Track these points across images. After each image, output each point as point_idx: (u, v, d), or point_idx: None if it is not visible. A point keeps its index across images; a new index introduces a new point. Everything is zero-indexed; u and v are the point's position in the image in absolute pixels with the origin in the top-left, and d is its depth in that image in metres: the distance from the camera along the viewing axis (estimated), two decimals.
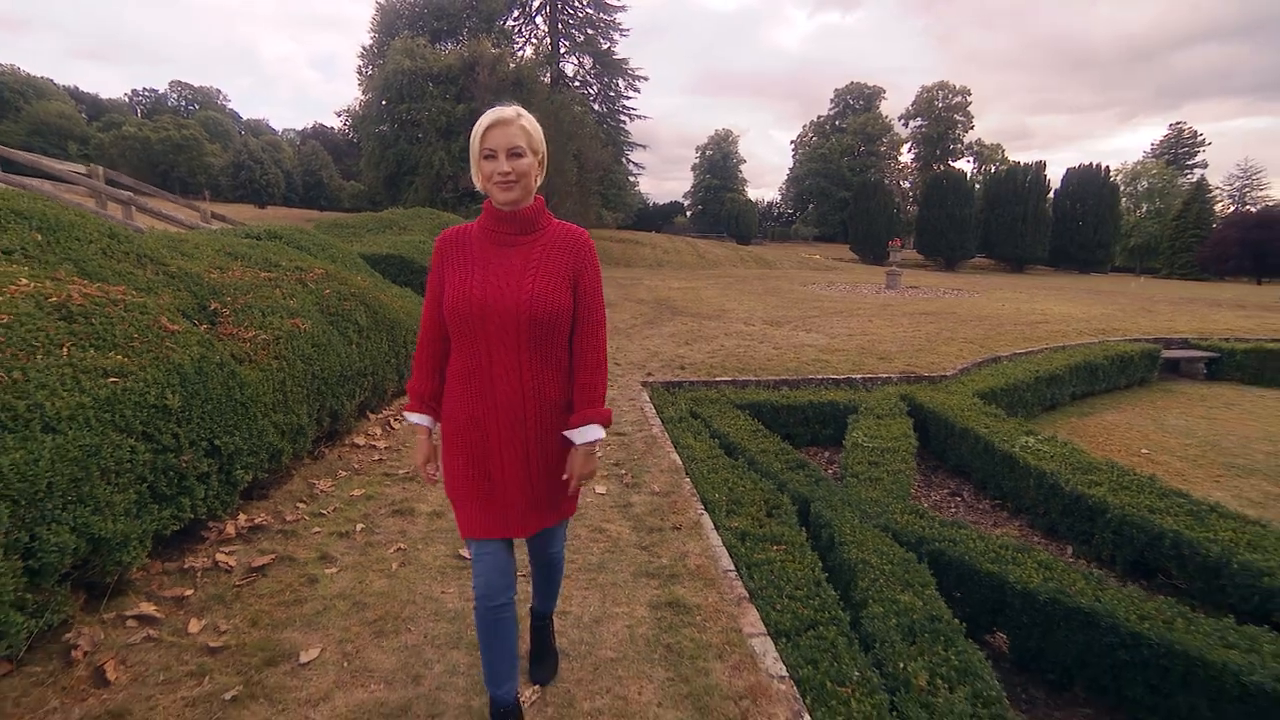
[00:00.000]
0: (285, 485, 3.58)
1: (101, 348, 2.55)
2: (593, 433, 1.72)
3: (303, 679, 2.10)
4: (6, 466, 1.95)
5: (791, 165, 70.37)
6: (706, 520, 3.41)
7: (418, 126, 23.03)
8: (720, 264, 27.38)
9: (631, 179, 43.04)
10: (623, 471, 4.07)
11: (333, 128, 59.37)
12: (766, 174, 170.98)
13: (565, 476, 1.75)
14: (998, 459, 5.27)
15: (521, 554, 2.57)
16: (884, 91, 65.60)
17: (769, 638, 2.43)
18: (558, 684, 2.13)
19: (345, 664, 2.18)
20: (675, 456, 4.36)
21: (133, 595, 2.50)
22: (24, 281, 2.62)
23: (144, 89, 73.78)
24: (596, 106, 35.86)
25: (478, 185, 1.67)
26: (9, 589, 1.92)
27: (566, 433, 1.73)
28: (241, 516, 3.15)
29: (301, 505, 3.39)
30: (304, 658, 2.20)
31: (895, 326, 10.32)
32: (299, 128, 73.46)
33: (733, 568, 2.95)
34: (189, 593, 2.56)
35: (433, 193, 21.99)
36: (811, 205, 65.48)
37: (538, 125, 1.67)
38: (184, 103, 71.83)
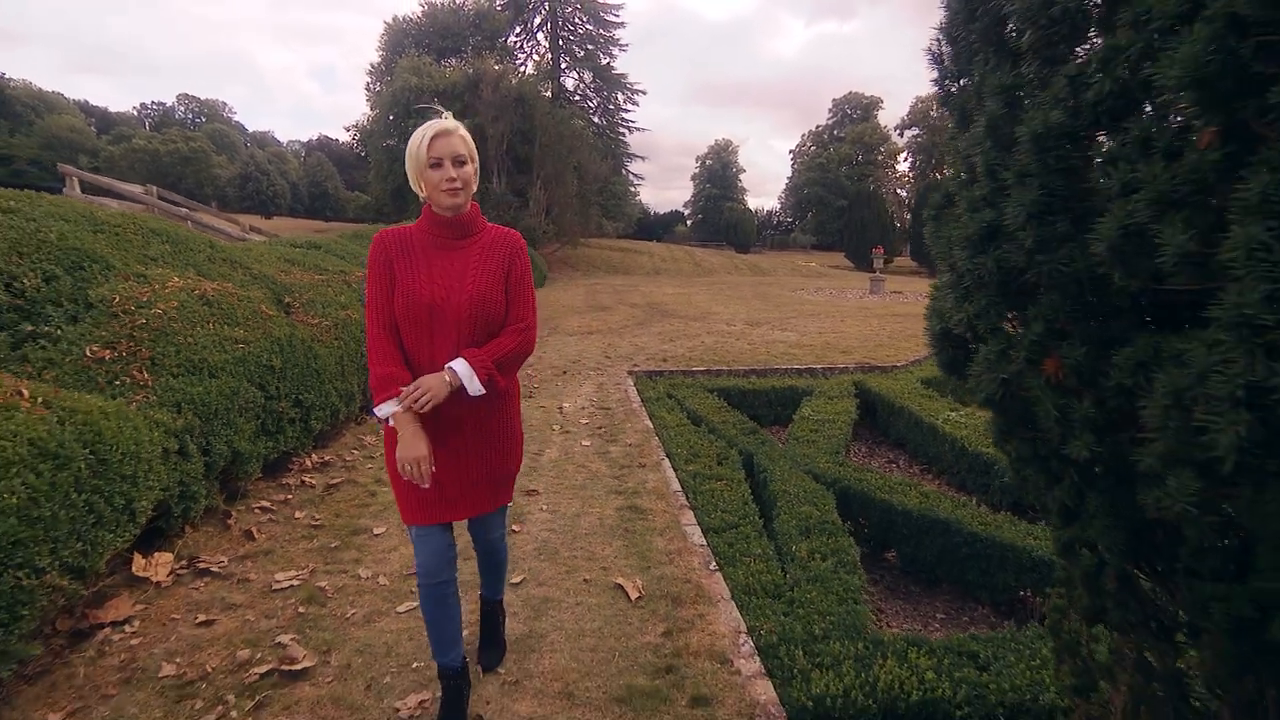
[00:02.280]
0: (341, 438, 4.65)
1: (230, 324, 3.63)
2: (459, 364, 1.72)
3: (377, 540, 3.17)
4: (197, 395, 3.03)
5: (790, 174, 71.60)
6: (667, 463, 4.47)
7: None
8: (715, 271, 28.51)
9: (632, 189, 44.32)
10: (605, 432, 5.13)
11: (337, 139, 60.84)
12: (766, 183, 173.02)
13: (411, 394, 1.70)
14: (924, 430, 6.32)
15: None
16: (881, 101, 66.96)
17: (699, 528, 3.49)
18: (546, 540, 3.18)
19: (402, 533, 3.24)
20: (649, 423, 5.43)
21: (251, 498, 3.56)
22: (175, 280, 3.71)
23: (152, 102, 75.46)
24: (596, 120, 37.16)
25: (419, 192, 1.78)
26: (198, 474, 2.99)
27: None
28: (314, 455, 4.22)
29: (355, 451, 4.46)
30: (376, 531, 3.27)
31: (864, 326, 11.39)
32: (303, 139, 75.11)
33: (681, 490, 4.00)
34: (289, 497, 3.63)
35: None
36: (810, 214, 66.62)
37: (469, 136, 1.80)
38: (191, 115, 73.50)
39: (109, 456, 2.38)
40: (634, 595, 2.69)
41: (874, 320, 12.24)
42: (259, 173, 48.56)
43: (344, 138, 52.37)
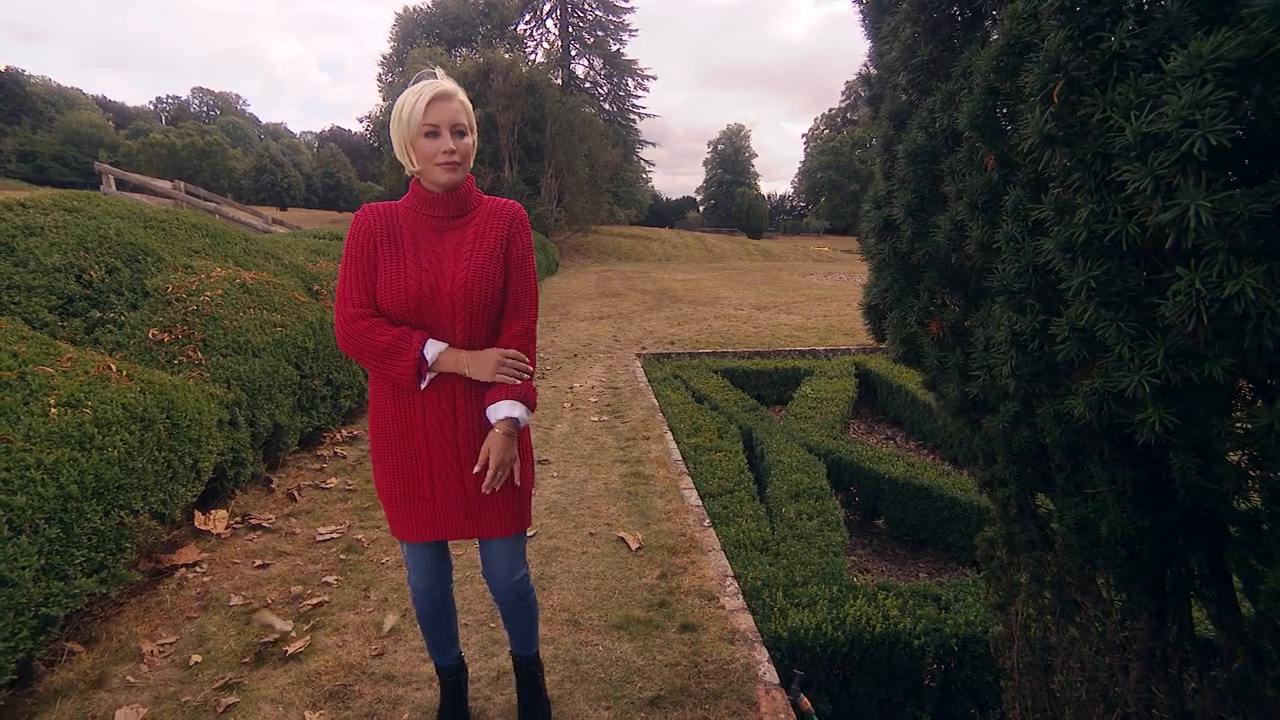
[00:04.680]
0: (365, 416, 5.06)
1: (269, 310, 4.04)
2: (505, 409, 1.55)
3: None
4: (244, 372, 3.45)
5: (803, 158, 71.14)
6: (669, 436, 4.84)
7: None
8: (726, 258, 28.73)
9: (643, 176, 44.48)
10: (612, 409, 5.51)
11: (349, 130, 61.30)
12: (779, 167, 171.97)
13: (476, 469, 1.56)
14: (919, 407, 6.64)
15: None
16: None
17: (696, 491, 3.86)
18: (556, 501, 3.57)
19: None
20: (655, 401, 5.81)
21: (290, 467, 3.99)
22: (218, 270, 4.12)
23: (168, 96, 76.39)
24: (607, 106, 37.35)
25: (408, 165, 1.54)
26: (246, 443, 3.40)
27: (488, 410, 1.58)
28: (343, 430, 4.64)
29: None
30: None
31: None
32: (315, 130, 75.72)
33: (682, 460, 4.38)
34: (324, 466, 4.05)
35: None
36: (823, 198, 66.29)
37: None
38: (206, 109, 74.43)
39: (180, 422, 2.79)
40: (634, 546, 3.08)
41: None
42: (273, 165, 49.16)
43: (356, 128, 52.89)
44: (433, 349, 1.54)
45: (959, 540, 4.20)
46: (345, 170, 53.08)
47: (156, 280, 3.81)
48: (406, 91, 1.50)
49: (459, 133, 1.50)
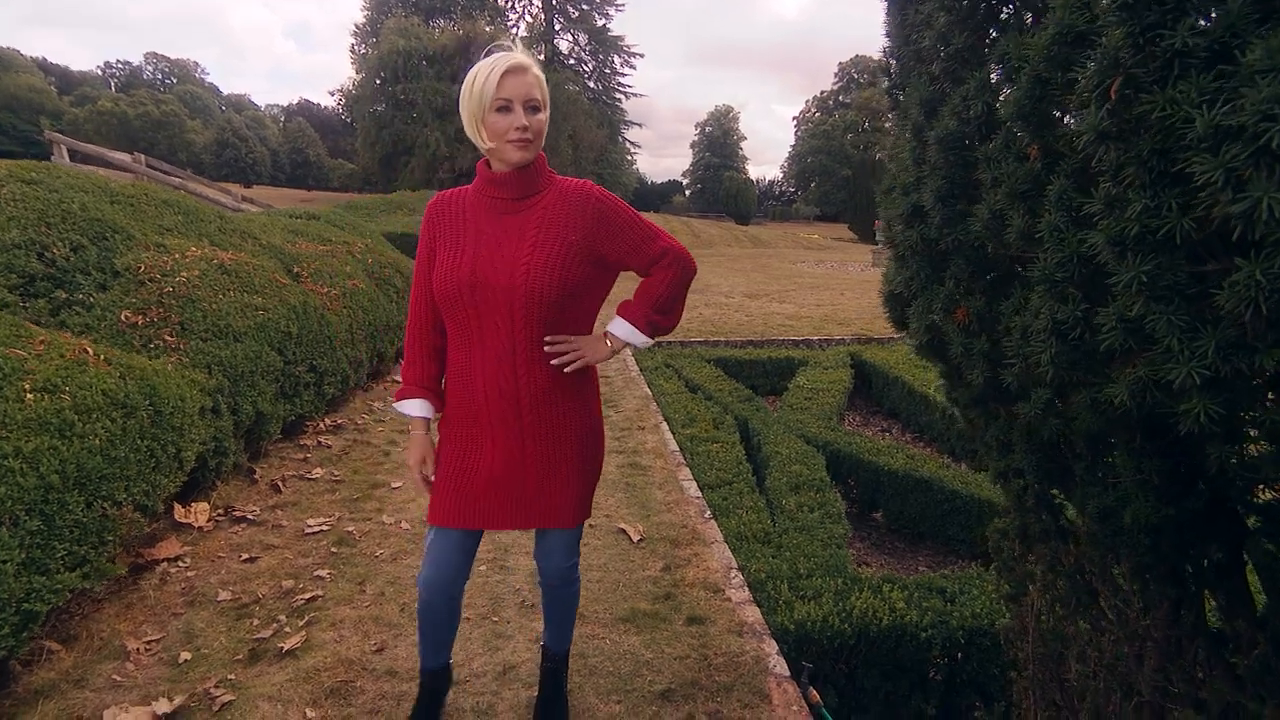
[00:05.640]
0: (351, 403, 5.05)
1: (250, 292, 3.99)
2: (617, 325, 1.65)
3: (395, 493, 3.58)
4: (225, 358, 3.41)
5: (794, 142, 71.34)
6: (665, 426, 4.88)
7: (413, 107, 24.39)
8: (715, 244, 28.77)
9: (629, 158, 44.29)
10: (604, 399, 5.54)
11: (319, 104, 60.26)
12: (768, 150, 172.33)
13: (562, 339, 1.57)
14: (917, 399, 6.74)
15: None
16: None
17: (695, 483, 3.90)
18: None
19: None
20: (648, 390, 5.84)
21: (272, 457, 3.96)
22: (194, 249, 4.06)
23: (118, 61, 74.06)
24: (591, 84, 37.07)
25: (480, 143, 1.52)
26: (229, 431, 3.38)
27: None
28: (327, 419, 4.62)
29: (365, 416, 4.86)
30: (394, 484, 3.68)
31: (863, 299, 11.79)
32: (282, 103, 74.14)
33: (679, 450, 4.42)
34: (308, 456, 4.03)
35: (429, 174, 23.38)
36: (814, 184, 66.55)
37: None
38: (160, 76, 72.24)
39: (163, 409, 2.76)
40: (635, 538, 3.11)
41: (874, 293, 12.58)
42: (236, 139, 48.12)
43: (327, 102, 51.98)
44: (402, 409, 1.69)
45: (959, 534, 4.29)
46: (315, 146, 52.23)
47: (127, 259, 3.75)
48: (479, 64, 1.49)
49: (532, 108, 1.48)
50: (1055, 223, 1.03)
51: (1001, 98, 1.19)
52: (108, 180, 4.54)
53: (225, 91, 77.38)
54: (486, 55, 1.50)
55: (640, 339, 1.67)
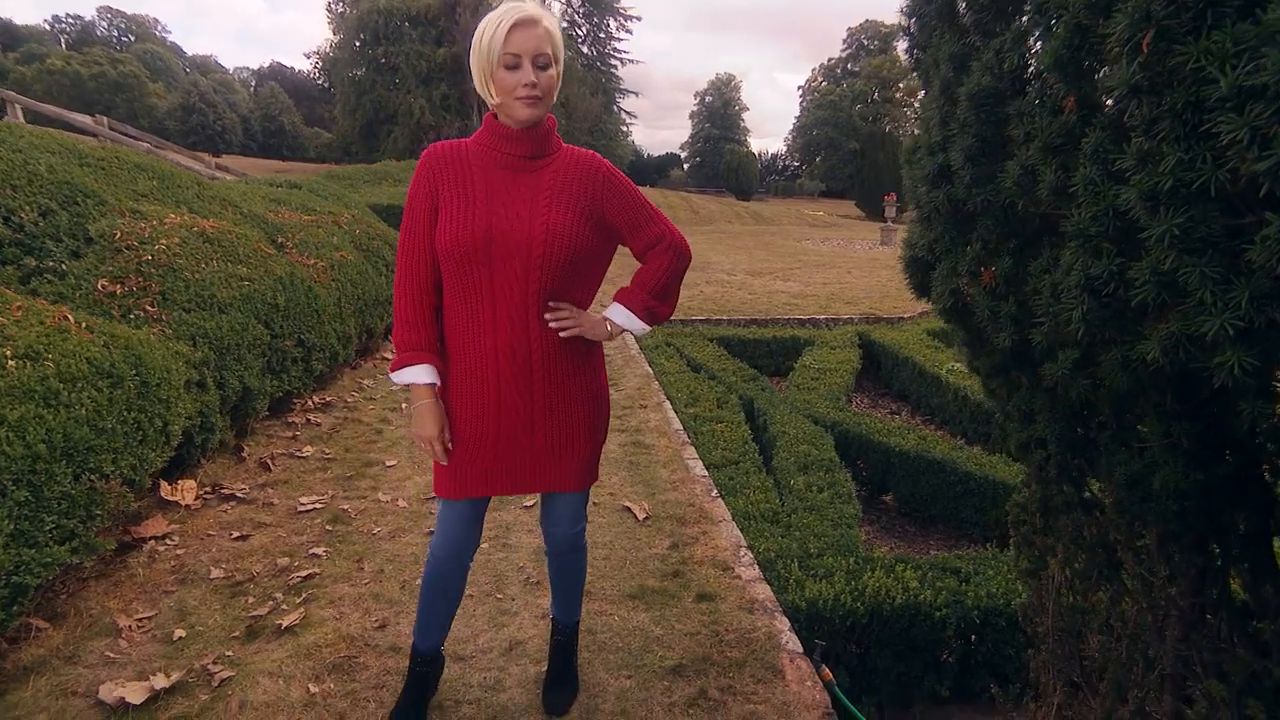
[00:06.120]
0: (339, 380, 5.08)
1: (234, 262, 4.00)
2: (615, 311, 1.71)
3: (390, 471, 3.63)
4: (210, 329, 3.43)
5: (798, 113, 70.92)
6: (668, 405, 4.93)
7: (396, 72, 24.15)
8: (715, 220, 28.74)
9: (624, 129, 44.01)
10: None
11: (292, 67, 59.46)
12: (771, 122, 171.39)
13: (565, 308, 1.61)
14: (928, 380, 6.82)
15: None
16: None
17: (700, 461, 3.96)
18: None
19: (415, 466, 3.70)
20: (648, 368, 5.89)
21: (260, 435, 4.00)
22: (172, 216, 4.07)
23: (67, 15, 71.97)
24: (585, 49, 36.74)
25: (488, 98, 1.55)
26: (215, 406, 3.41)
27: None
28: (315, 397, 4.65)
29: (355, 394, 4.90)
30: (388, 463, 3.72)
31: (871, 277, 11.84)
32: (252, 66, 72.91)
33: (682, 429, 4.47)
34: (297, 434, 4.07)
35: (413, 143, 23.18)
36: (819, 158, 66.29)
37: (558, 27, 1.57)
38: (116, 33, 70.08)
39: (149, 380, 2.79)
40: (641, 516, 3.17)
41: (883, 271, 12.68)
42: (203, 104, 46.92)
43: (301, 65, 51.24)
44: (400, 378, 1.66)
45: (973, 516, 4.38)
46: (289, 114, 51.42)
47: (101, 225, 3.75)
48: (488, 16, 1.49)
49: (542, 65, 1.49)
50: (1090, 176, 1.07)
51: (1034, 50, 1.23)
52: (75, 141, 4.51)
53: (189, 52, 75.85)
54: (498, 5, 1.51)
55: (638, 325, 1.73)
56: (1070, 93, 1.12)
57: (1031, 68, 1.27)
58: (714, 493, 3.53)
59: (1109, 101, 1.10)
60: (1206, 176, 0.90)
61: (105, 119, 11.29)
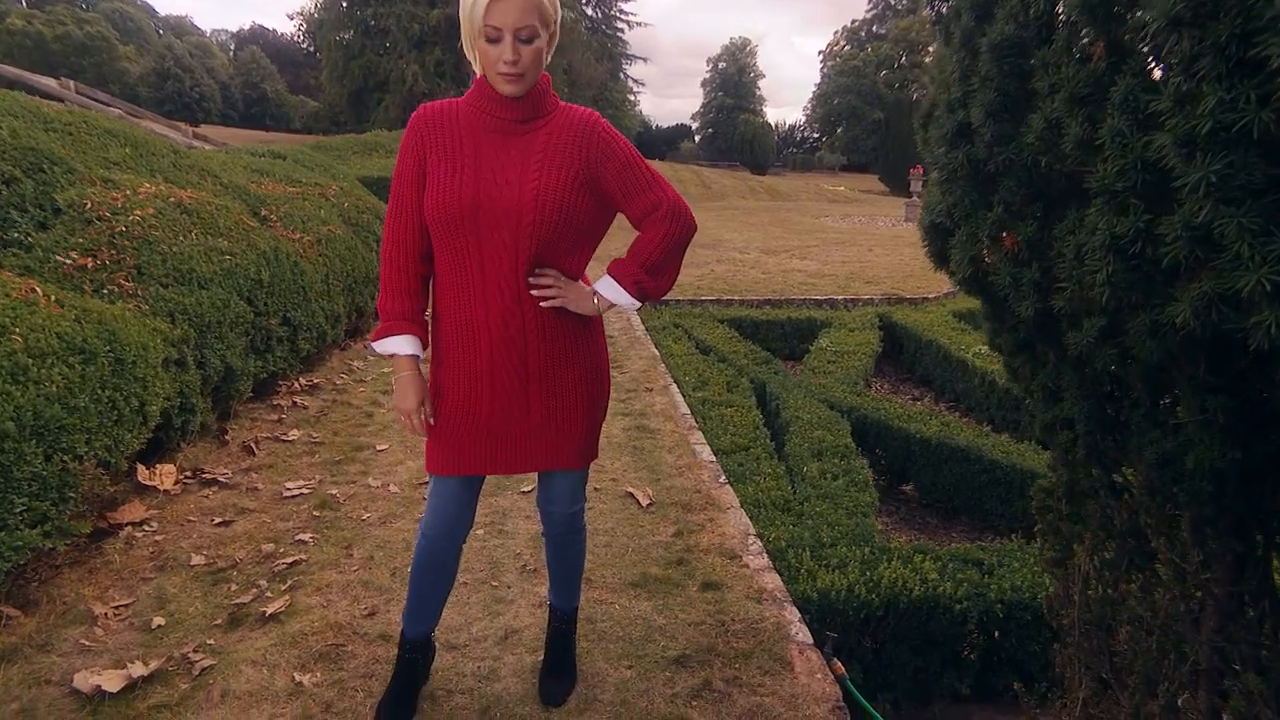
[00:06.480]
0: (327, 362, 5.12)
1: (214, 235, 4.03)
2: (604, 284, 1.70)
3: (380, 456, 3.67)
4: (189, 305, 3.46)
5: (819, 80, 70.31)
6: (674, 388, 4.95)
7: (386, 35, 24.06)
8: (727, 195, 28.62)
9: (631, 97, 43.77)
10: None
11: (274, 29, 59.24)
12: (789, 91, 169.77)
13: (549, 276, 1.63)
14: (953, 364, 6.81)
15: None
16: None
17: (708, 447, 3.98)
18: None
19: (407, 450, 3.73)
20: (654, 350, 5.91)
21: (243, 418, 4.04)
22: (147, 186, 4.09)
23: None
24: (590, 11, 36.47)
25: (475, 66, 1.59)
26: (196, 387, 3.44)
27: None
28: (302, 379, 4.69)
29: (344, 376, 4.94)
30: (379, 447, 3.76)
31: (894, 256, 11.80)
32: (231, 28, 72.65)
33: (690, 413, 4.49)
34: (282, 418, 4.11)
35: (405, 112, 23.06)
36: (840, 128, 65.81)
37: None
38: None
39: (124, 357, 2.82)
40: (644, 502, 3.20)
41: (906, 249, 12.62)
42: (179, 69, 46.34)
43: (284, 28, 50.97)
44: (381, 347, 1.70)
45: (999, 508, 4.38)
46: (272, 80, 51.29)
47: (70, 195, 3.77)
48: None
49: (525, 37, 1.49)
50: (1118, 127, 1.07)
51: None
52: (39, 104, 4.51)
53: (162, 12, 75.28)
54: None
55: (626, 300, 1.72)
56: (1099, 38, 1.12)
57: (1060, 13, 1.26)
58: (722, 479, 3.55)
59: (1143, 46, 1.10)
60: (1249, 118, 0.90)
61: (72, 83, 11.27)
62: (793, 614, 2.44)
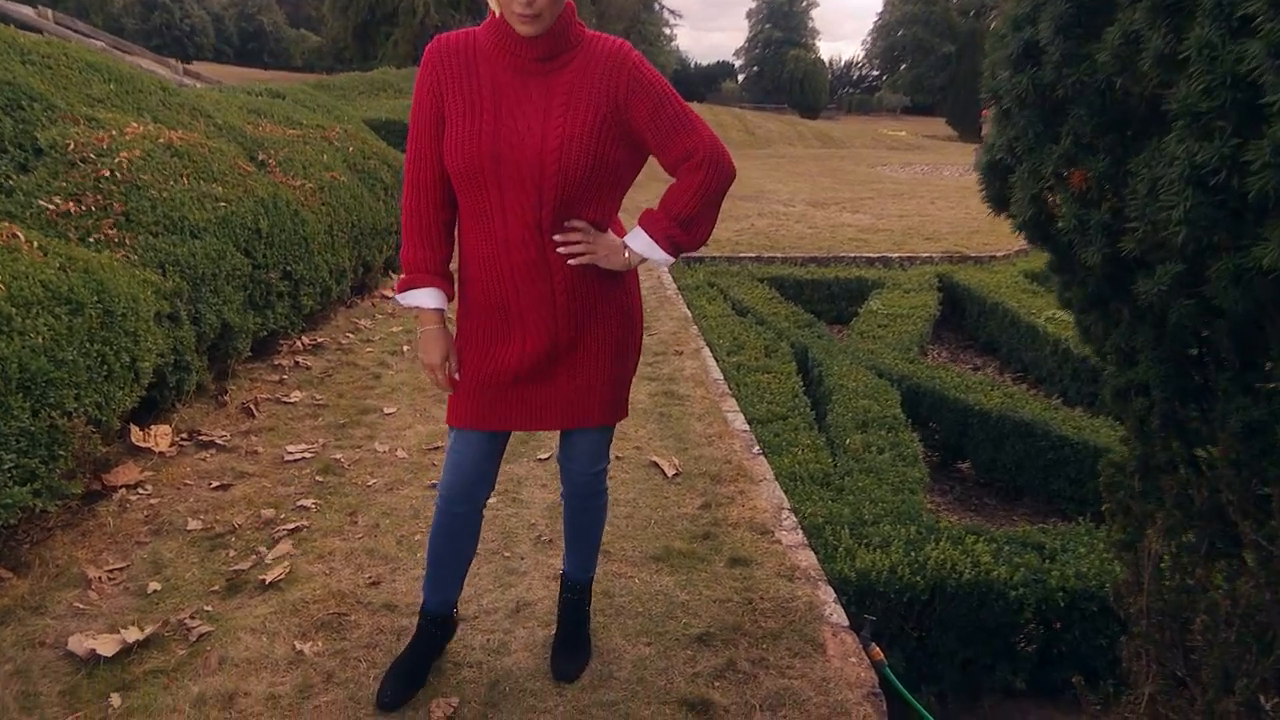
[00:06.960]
0: (332, 320, 5.22)
1: (207, 180, 4.09)
2: (635, 238, 1.72)
3: (388, 419, 3.74)
4: (182, 256, 3.54)
5: (881, 10, 68.36)
6: (706, 351, 4.96)
7: None
8: (773, 142, 28.26)
9: (667, 32, 43.09)
10: None
11: None
12: (846, 22, 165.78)
13: (579, 230, 1.65)
14: (1022, 330, 6.70)
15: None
16: None
17: (741, 415, 3.98)
18: None
19: (416, 413, 3.80)
20: (686, 311, 5.91)
21: (242, 378, 4.13)
22: (134, 125, 4.15)
23: None
24: None
25: (491, 1, 1.58)
26: (190, 344, 3.52)
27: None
28: (305, 337, 4.78)
29: (350, 335, 5.02)
30: (387, 410, 3.83)
31: (959, 210, 11.57)
32: None
33: (723, 379, 4.50)
34: (284, 378, 4.20)
35: (415, 47, 23.02)
36: (904, 65, 64.09)
37: None
38: None
39: (114, 308, 2.90)
40: (670, 472, 3.23)
41: (973, 201, 12.33)
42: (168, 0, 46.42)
43: None
44: (406, 299, 1.76)
45: (1066, 489, 4.33)
46: (270, 13, 51.24)
47: (51, 134, 3.85)
48: None
49: None
50: (1206, 37, 1.04)
51: None
52: (15, 34, 4.55)
53: None
54: None
55: (660, 255, 1.73)
56: None
57: None
58: (755, 449, 3.56)
59: None
60: None
61: (50, 11, 11.32)
62: (827, 594, 2.46)
